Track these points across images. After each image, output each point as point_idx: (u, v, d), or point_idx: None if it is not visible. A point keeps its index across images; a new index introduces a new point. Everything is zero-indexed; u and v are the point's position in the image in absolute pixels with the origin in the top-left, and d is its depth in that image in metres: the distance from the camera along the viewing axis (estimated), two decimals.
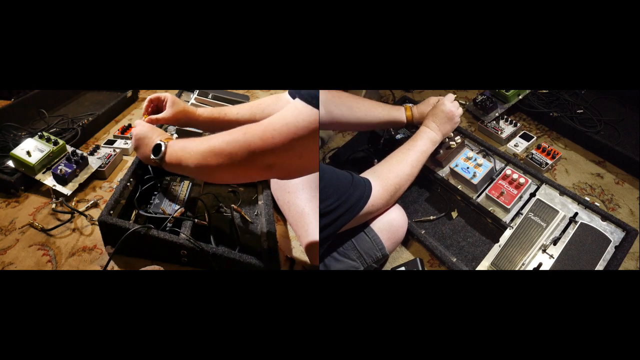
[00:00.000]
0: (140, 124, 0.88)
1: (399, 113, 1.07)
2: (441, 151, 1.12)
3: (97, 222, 0.99)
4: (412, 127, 1.11)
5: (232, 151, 0.68)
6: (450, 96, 1.02)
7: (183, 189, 1.03)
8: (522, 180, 0.98)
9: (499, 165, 1.06)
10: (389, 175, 0.87)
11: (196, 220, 0.92)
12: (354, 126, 1.10)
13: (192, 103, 1.36)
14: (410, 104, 1.11)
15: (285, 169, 0.69)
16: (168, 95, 0.95)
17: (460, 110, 1.02)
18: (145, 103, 0.96)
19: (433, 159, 1.13)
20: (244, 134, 0.67)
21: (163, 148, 0.78)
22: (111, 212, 0.86)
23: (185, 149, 0.76)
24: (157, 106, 0.96)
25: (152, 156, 0.79)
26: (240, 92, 1.61)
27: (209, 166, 0.71)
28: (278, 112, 0.67)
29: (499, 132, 1.33)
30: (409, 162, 0.91)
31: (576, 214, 0.91)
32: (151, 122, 0.92)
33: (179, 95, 1.52)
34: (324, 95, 0.97)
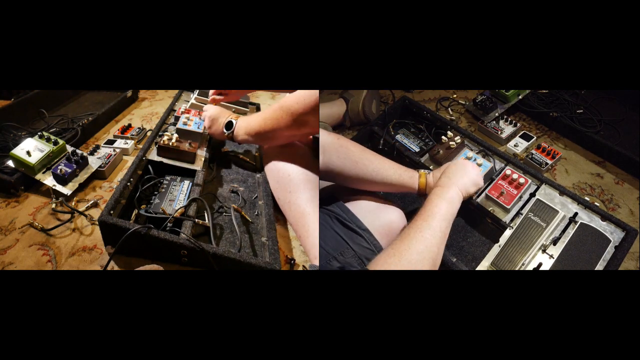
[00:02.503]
0: (211, 107, 1.16)
1: (411, 180, 0.90)
2: (441, 151, 1.12)
3: (97, 222, 0.99)
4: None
5: (279, 116, 0.93)
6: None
7: (183, 189, 1.03)
8: (522, 180, 0.98)
9: (498, 165, 1.06)
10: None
11: (196, 220, 0.92)
12: (354, 182, 0.92)
13: (192, 103, 1.36)
14: (426, 171, 0.92)
15: (316, 124, 0.90)
16: None
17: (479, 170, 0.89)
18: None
19: (433, 158, 1.13)
20: (284, 101, 0.92)
21: (234, 124, 1.05)
22: (111, 212, 0.86)
23: (247, 122, 1.03)
24: (220, 91, 1.25)
25: (225, 131, 1.06)
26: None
27: (265, 131, 0.98)
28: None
29: (499, 132, 1.33)
30: (429, 243, 0.71)
31: (576, 214, 0.91)
32: (215, 100, 1.23)
33: (178, 96, 1.53)
34: (328, 139, 0.86)
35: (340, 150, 0.87)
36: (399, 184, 0.91)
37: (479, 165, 1.02)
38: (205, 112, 1.14)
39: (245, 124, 1.03)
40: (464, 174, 0.86)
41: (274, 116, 0.94)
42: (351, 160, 0.88)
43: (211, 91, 1.25)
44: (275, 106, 0.95)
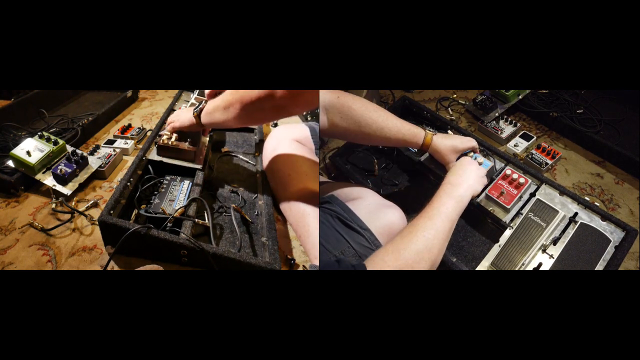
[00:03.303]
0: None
1: (414, 138, 0.93)
2: None
3: (97, 222, 0.99)
4: (422, 153, 1.04)
5: (244, 94, 0.84)
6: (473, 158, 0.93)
7: (183, 189, 1.03)
8: (522, 180, 0.98)
9: (498, 165, 1.06)
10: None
11: (196, 220, 0.92)
12: (358, 140, 0.97)
13: (192, 103, 1.36)
14: (432, 131, 0.97)
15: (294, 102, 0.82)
16: None
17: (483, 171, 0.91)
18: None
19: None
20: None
21: (202, 103, 0.99)
22: (111, 212, 0.86)
23: (215, 99, 0.96)
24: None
25: (193, 111, 1.01)
26: None
27: (231, 104, 0.89)
28: None
29: (499, 132, 1.33)
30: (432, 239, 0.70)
31: (576, 213, 0.91)
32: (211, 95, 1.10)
33: (178, 96, 1.53)
34: (328, 98, 0.86)
35: (342, 111, 0.87)
36: (402, 140, 0.93)
37: (480, 164, 1.02)
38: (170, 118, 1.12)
39: (213, 101, 0.98)
40: (472, 172, 0.86)
41: (239, 92, 0.88)
42: (354, 120, 0.87)
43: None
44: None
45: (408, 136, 0.93)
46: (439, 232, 0.71)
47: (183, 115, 1.07)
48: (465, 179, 0.83)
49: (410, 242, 0.68)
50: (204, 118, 1.00)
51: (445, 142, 0.94)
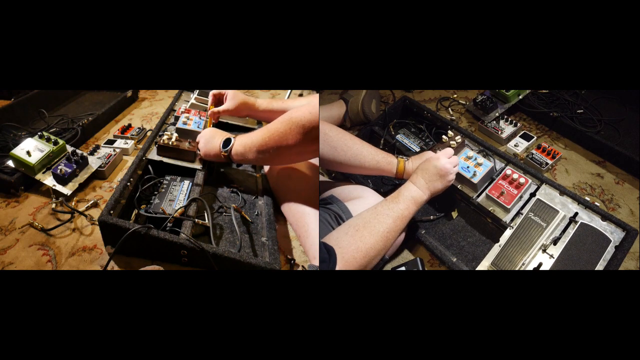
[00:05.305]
0: (207, 129, 1.07)
1: (389, 166, 0.96)
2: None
3: (97, 222, 0.99)
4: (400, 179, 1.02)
5: (286, 129, 0.83)
6: (449, 151, 0.92)
7: (183, 189, 1.03)
8: (522, 180, 0.98)
9: (499, 165, 1.06)
10: (357, 255, 0.73)
11: (196, 220, 0.92)
12: (334, 166, 0.99)
13: (192, 103, 1.36)
14: (405, 158, 0.99)
15: None
16: (228, 91, 1.11)
17: (456, 169, 0.92)
18: (210, 98, 1.11)
19: None
20: (292, 114, 0.82)
21: (233, 141, 0.96)
22: (111, 212, 0.86)
23: (248, 137, 0.93)
24: (218, 100, 1.11)
25: (222, 150, 0.97)
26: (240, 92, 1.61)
27: (269, 147, 0.87)
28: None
29: (499, 132, 1.33)
30: (383, 233, 0.77)
31: (576, 213, 0.91)
32: (214, 114, 1.10)
33: (178, 96, 1.53)
34: None
35: (321, 137, 0.88)
36: (377, 169, 0.96)
37: (480, 164, 1.02)
38: (202, 133, 1.07)
39: (245, 140, 0.94)
40: (430, 172, 0.87)
41: (281, 129, 0.84)
42: (330, 146, 0.90)
43: (209, 101, 1.14)
44: (281, 119, 0.85)
45: (383, 163, 0.96)
46: (393, 229, 0.79)
47: (210, 146, 1.02)
48: (425, 181, 0.86)
49: (370, 235, 0.76)
50: (236, 158, 0.97)
51: (417, 162, 0.96)
